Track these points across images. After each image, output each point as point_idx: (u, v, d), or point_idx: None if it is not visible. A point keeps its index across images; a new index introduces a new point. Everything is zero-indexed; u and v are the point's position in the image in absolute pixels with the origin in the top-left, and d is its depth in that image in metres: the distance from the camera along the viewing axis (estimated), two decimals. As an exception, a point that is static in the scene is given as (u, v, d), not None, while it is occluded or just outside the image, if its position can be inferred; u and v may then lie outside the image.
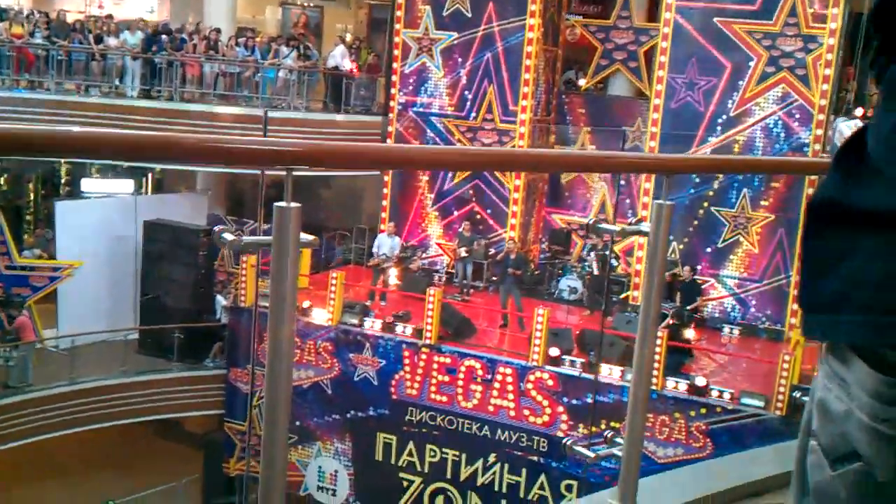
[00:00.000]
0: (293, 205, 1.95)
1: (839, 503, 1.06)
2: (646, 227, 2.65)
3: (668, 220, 2.62)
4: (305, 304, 16.31)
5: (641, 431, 2.87)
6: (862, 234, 0.97)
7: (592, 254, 18.13)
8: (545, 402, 14.91)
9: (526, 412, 15.03)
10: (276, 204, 1.95)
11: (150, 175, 24.94)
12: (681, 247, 17.66)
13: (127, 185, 23.14)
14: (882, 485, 1.00)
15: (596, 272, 17.83)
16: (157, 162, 17.42)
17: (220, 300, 18.50)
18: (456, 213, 19.95)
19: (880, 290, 0.94)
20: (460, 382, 15.42)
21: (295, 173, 1.97)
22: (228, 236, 2.00)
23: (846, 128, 14.95)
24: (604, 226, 2.90)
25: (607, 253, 17.39)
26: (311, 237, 2.05)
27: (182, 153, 1.87)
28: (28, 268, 18.40)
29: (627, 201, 19.36)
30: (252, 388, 15.10)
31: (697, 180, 17.69)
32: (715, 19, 17.58)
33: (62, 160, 22.74)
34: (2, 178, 25.66)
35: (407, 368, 15.79)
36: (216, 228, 2.32)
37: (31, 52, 19.49)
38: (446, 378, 15.54)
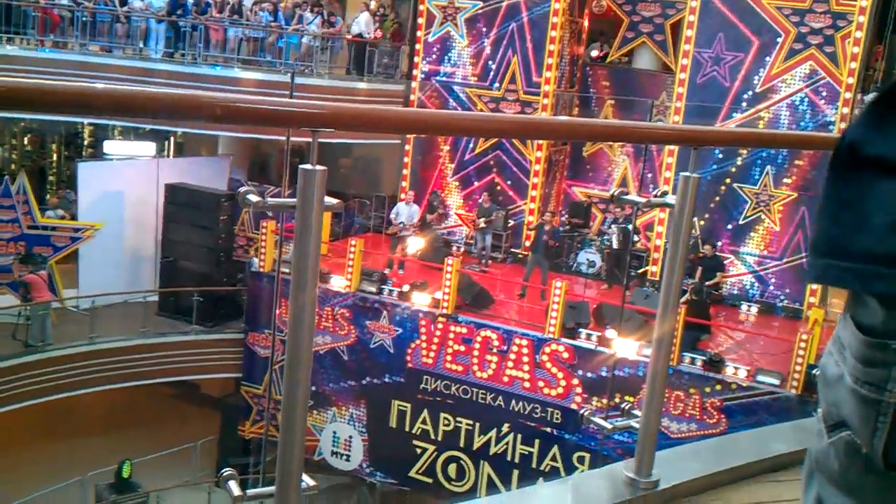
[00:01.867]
0: (318, 167, 1.94)
1: (833, 473, 1.04)
2: (671, 199, 2.63)
3: (694, 192, 2.60)
4: (324, 270, 16.37)
5: (660, 404, 2.87)
6: (875, 182, 0.95)
7: (614, 226, 18.07)
8: (560, 375, 14.95)
9: (540, 384, 15.07)
10: (302, 166, 1.94)
11: (172, 138, 24.99)
12: (702, 223, 17.58)
13: (149, 147, 23.21)
14: (869, 457, 0.98)
15: (616, 245, 17.78)
16: (183, 121, 17.48)
17: (256, 263, 18.33)
18: (476, 183, 19.92)
19: (881, 240, 0.92)
20: (476, 352, 15.47)
21: (319, 139, 1.97)
22: (253, 197, 2.00)
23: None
24: (629, 197, 2.89)
25: (629, 226, 17.34)
26: (335, 200, 2.05)
27: (209, 113, 1.87)
28: (50, 228, 18.53)
29: (650, 175, 19.29)
30: (273, 352, 15.21)
31: (720, 156, 17.59)
32: (743, -6, 17.39)
33: (85, 121, 22.83)
34: (26, 139, 25.78)
35: (423, 337, 15.84)
36: (241, 190, 2.34)
37: (56, 12, 19.52)
38: (462, 348, 15.58)
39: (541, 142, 18.46)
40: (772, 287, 17.81)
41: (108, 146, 23.48)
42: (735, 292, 17.92)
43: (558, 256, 18.62)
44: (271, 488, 2.11)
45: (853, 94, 16.87)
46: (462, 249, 19.44)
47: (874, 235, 0.93)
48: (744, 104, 17.64)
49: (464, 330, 15.59)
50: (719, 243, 17.50)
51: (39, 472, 16.35)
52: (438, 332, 15.73)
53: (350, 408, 16.69)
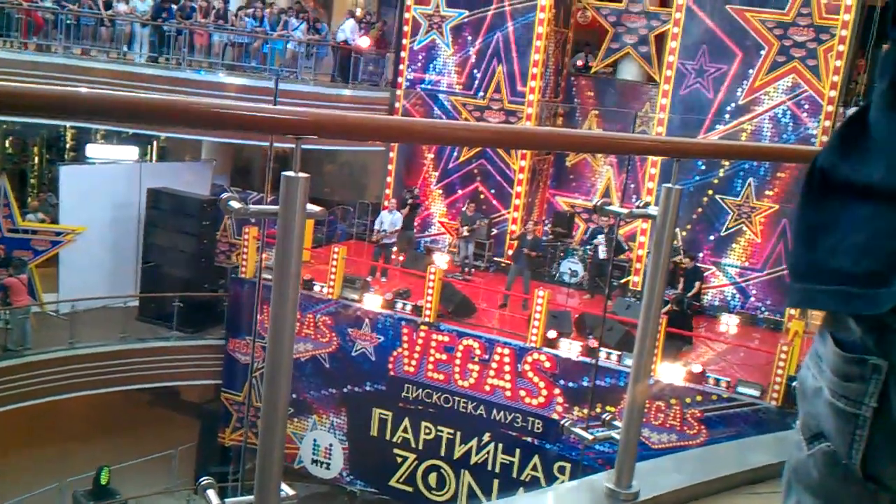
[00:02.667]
0: (301, 175, 1.93)
1: (812, 483, 1.07)
2: (653, 210, 2.64)
3: (676, 204, 2.60)
4: (306, 277, 16.32)
5: (640, 416, 2.87)
6: (846, 205, 1.00)
7: (600, 236, 18.10)
8: (541, 384, 14.95)
9: (522, 393, 15.07)
10: (284, 173, 1.93)
11: (154, 143, 24.90)
12: (683, 233, 17.65)
13: (131, 151, 23.10)
14: (848, 467, 1.01)
15: (602, 255, 17.80)
16: (166, 126, 17.38)
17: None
18: (460, 191, 19.94)
19: (856, 261, 0.97)
20: (458, 361, 15.46)
21: (303, 146, 1.96)
22: (235, 204, 1.98)
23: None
24: (611, 208, 2.89)
25: (615, 236, 17.39)
26: (317, 208, 2.04)
27: (192, 118, 1.86)
28: (30, 231, 18.40)
29: (632, 185, 19.35)
30: (253, 359, 15.14)
31: (703, 167, 17.68)
32: (727, 7, 17.50)
33: (67, 124, 22.71)
34: (7, 142, 25.61)
35: (405, 345, 15.82)
36: (223, 196, 2.32)
37: (40, 15, 19.43)
38: (444, 356, 15.57)
39: (525, 151, 18.50)
40: (753, 298, 17.90)
41: (91, 150, 23.35)
42: (716, 303, 17.99)
43: (541, 266, 18.64)
44: (250, 497, 2.09)
45: (835, 108, 17.00)
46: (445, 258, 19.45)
47: (849, 257, 0.98)
48: (727, 116, 17.74)
49: (446, 338, 15.58)
50: (700, 255, 17.56)
51: (16, 478, 16.22)
52: (420, 341, 15.71)
53: (331, 415, 16.64)
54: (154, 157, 24.83)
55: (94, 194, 18.90)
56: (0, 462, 16.39)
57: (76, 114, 1.66)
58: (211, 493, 2.16)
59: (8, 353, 16.36)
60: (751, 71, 17.51)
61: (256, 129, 1.93)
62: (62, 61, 18.78)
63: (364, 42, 20.92)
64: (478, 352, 15.34)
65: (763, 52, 17.38)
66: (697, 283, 16.52)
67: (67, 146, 25.66)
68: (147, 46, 19.97)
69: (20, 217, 18.46)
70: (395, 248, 18.39)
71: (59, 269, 18.62)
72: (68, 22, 19.27)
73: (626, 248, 18.70)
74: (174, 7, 20.06)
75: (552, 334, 14.94)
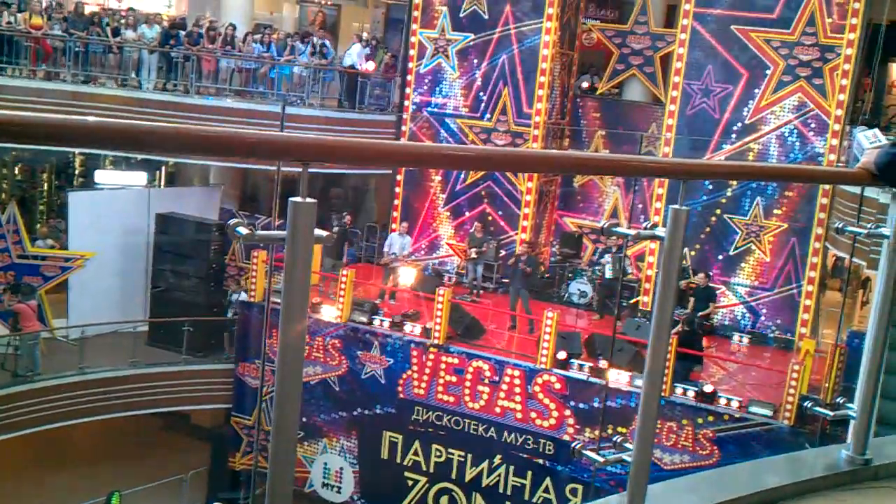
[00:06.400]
0: (308, 200, 1.94)
1: None
2: (661, 231, 2.63)
3: (683, 225, 2.59)
4: (315, 300, 16.32)
5: (651, 437, 2.85)
6: None
7: (607, 256, 18.07)
8: (552, 405, 14.89)
9: (533, 415, 15.01)
10: (292, 199, 1.93)
11: (163, 168, 24.98)
12: (692, 253, 17.61)
13: (140, 177, 23.16)
14: None
15: (609, 275, 17.77)
16: (173, 153, 17.50)
17: (245, 296, 17.95)
18: (468, 213, 19.94)
19: None
20: (468, 383, 15.41)
21: (310, 170, 1.96)
22: (243, 230, 1.99)
23: (864, 138, 14.90)
24: (618, 229, 2.89)
25: (622, 256, 17.36)
26: (324, 233, 2.04)
27: (200, 145, 1.86)
28: (40, 257, 18.45)
29: (640, 206, 19.35)
30: (262, 383, 15.12)
31: (710, 187, 17.67)
32: (732, 27, 17.54)
33: (76, 151, 22.80)
34: (16, 168, 25.72)
35: (415, 368, 15.78)
36: (231, 222, 2.33)
37: (48, 43, 19.56)
38: (454, 378, 15.52)
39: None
40: (763, 318, 17.82)
41: (99, 175, 23.41)
42: (726, 323, 17.93)
43: (550, 286, 18.59)
44: (260, 523, 2.08)
45: (842, 126, 16.99)
46: (453, 280, 19.45)
47: None
48: (733, 136, 17.74)
49: (455, 360, 15.54)
50: (711, 273, 17.51)
51: (26, 505, 16.19)
52: (430, 363, 15.68)
53: (341, 439, 16.59)
54: (162, 183, 24.90)
55: (102, 220, 18.96)
56: (10, 488, 16.38)
57: (83, 142, 1.67)
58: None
59: (18, 378, 16.38)
60: (756, 90, 17.53)
61: (264, 156, 1.94)
62: (71, 88, 18.90)
63: (369, 66, 21.00)
64: (488, 373, 15.30)
65: (769, 72, 17.40)
66: (711, 304, 16.38)
67: (76, 172, 25.75)
68: (155, 73, 20.09)
69: (30, 243, 18.51)
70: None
71: (68, 295, 18.66)
72: (76, 49, 19.39)
73: (630, 271, 18.63)
74: (182, 33, 20.19)
75: (562, 355, 14.90)
